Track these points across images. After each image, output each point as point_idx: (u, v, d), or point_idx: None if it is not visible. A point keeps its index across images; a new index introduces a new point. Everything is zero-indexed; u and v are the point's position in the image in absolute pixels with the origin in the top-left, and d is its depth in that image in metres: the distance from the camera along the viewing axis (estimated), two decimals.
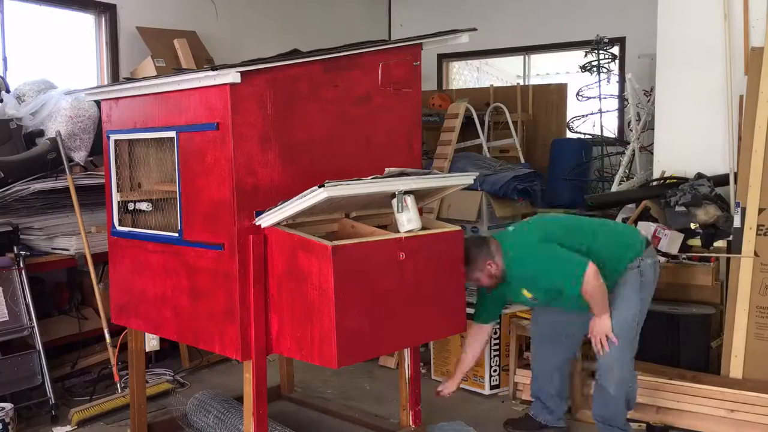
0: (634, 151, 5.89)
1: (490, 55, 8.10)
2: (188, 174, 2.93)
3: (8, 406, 3.65)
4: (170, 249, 3.06)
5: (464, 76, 8.86)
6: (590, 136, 6.58)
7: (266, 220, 2.77)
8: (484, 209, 5.54)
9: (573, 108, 7.01)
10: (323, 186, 2.60)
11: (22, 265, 4.03)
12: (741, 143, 4.39)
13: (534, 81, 7.98)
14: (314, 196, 2.63)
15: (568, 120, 6.87)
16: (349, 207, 3.01)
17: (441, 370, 4.45)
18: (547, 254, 3.22)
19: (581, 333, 3.53)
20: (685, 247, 4.39)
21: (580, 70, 6.52)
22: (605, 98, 6.46)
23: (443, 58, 8.20)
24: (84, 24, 5.43)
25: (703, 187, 4.49)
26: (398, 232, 2.89)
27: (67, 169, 4.23)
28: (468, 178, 3.23)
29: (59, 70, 5.11)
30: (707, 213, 4.38)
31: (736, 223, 4.14)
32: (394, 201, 2.87)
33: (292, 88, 2.88)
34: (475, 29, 3.44)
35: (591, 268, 3.10)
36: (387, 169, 2.89)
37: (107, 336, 4.15)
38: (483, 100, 7.28)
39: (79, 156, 4.51)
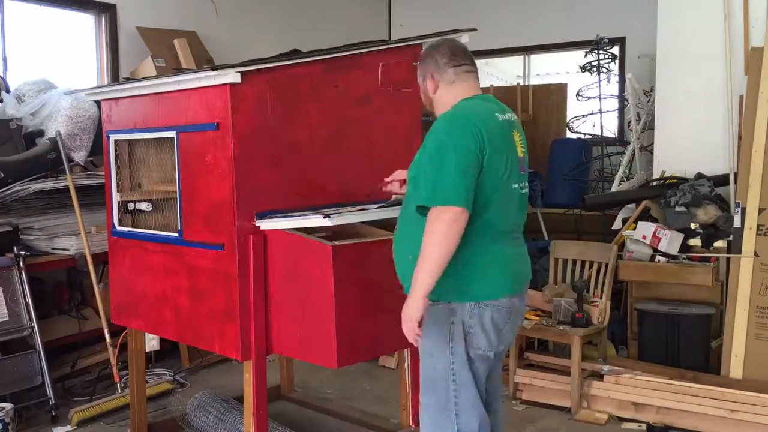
0: (634, 151, 5.89)
1: (490, 55, 8.08)
2: (188, 174, 2.93)
3: (8, 406, 3.65)
4: (170, 249, 3.06)
5: None
6: (590, 136, 6.57)
7: (267, 225, 2.78)
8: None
9: (573, 108, 7.00)
10: (329, 217, 2.62)
11: (22, 265, 4.03)
12: (741, 143, 4.39)
13: (534, 81, 7.96)
14: (318, 221, 2.65)
15: (568, 120, 6.87)
16: None
17: None
18: (449, 145, 2.24)
19: None
20: (685, 247, 4.39)
21: (580, 70, 6.51)
22: (605, 98, 6.46)
23: None
24: (84, 24, 5.42)
25: (703, 187, 4.49)
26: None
27: (67, 169, 4.22)
28: None
29: (59, 70, 5.10)
30: (707, 213, 4.38)
31: (736, 223, 4.14)
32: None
33: (292, 88, 2.88)
34: (475, 29, 3.44)
35: (458, 213, 2.19)
36: (393, 196, 2.86)
37: (107, 336, 4.15)
38: None
39: (79, 156, 4.51)
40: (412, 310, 2.28)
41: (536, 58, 8.07)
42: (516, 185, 2.39)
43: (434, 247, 2.20)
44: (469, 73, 2.45)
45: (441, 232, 2.19)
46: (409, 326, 2.32)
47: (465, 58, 2.46)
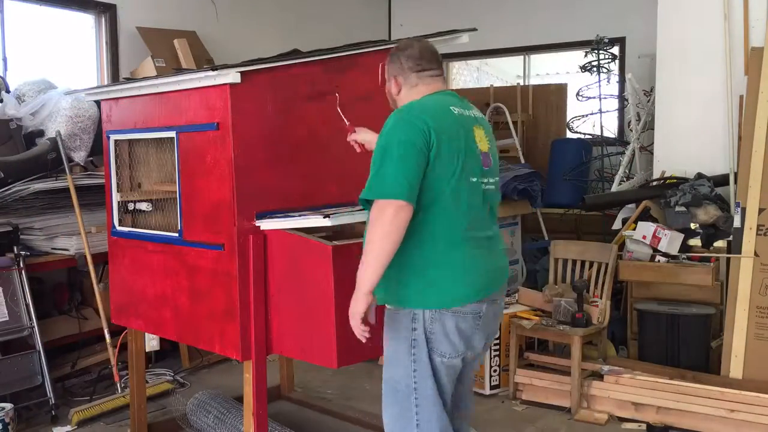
0: (634, 151, 5.89)
1: (490, 55, 8.08)
2: (188, 174, 2.93)
3: (8, 406, 3.65)
4: (170, 249, 3.06)
5: (464, 76, 8.85)
6: (590, 136, 6.57)
7: (267, 226, 2.78)
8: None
9: (573, 108, 7.01)
10: (329, 217, 2.62)
11: (22, 265, 4.03)
12: (741, 143, 4.39)
13: (534, 81, 7.96)
14: (318, 221, 2.66)
15: (568, 120, 6.87)
16: None
17: None
18: (391, 142, 2.21)
19: None
20: (685, 247, 4.39)
21: (580, 70, 6.52)
22: (605, 98, 6.46)
23: (443, 58, 8.14)
24: (84, 24, 5.42)
25: (703, 187, 4.49)
26: None
27: (67, 169, 4.22)
28: None
29: (59, 70, 5.10)
30: (707, 213, 4.38)
31: (736, 223, 4.14)
32: None
33: (292, 88, 2.88)
34: (475, 29, 3.44)
35: (400, 205, 2.13)
36: None
37: (107, 336, 4.15)
38: (483, 100, 7.27)
39: (79, 156, 4.51)
40: (357, 305, 2.21)
41: (536, 58, 8.07)
42: (476, 179, 2.29)
43: (376, 241, 2.15)
44: (434, 77, 2.44)
45: (383, 225, 2.13)
46: (354, 322, 2.24)
47: (431, 63, 2.44)
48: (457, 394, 2.44)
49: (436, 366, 2.29)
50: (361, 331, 2.24)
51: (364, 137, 2.73)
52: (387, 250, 2.15)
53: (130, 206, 3.37)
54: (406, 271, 2.23)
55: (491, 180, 2.37)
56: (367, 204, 2.23)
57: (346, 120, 2.82)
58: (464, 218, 2.26)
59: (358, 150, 2.76)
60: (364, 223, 2.89)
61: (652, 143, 5.42)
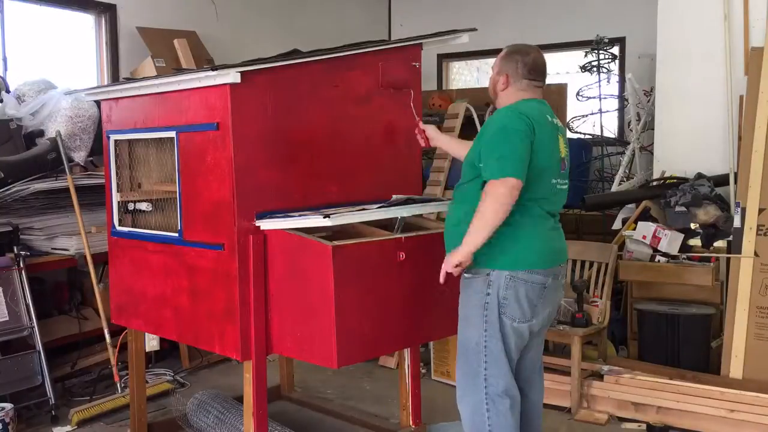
0: (634, 151, 5.89)
1: (490, 55, 8.01)
2: (188, 174, 2.93)
3: (8, 406, 3.65)
4: (170, 249, 3.06)
5: (464, 76, 8.85)
6: (590, 136, 6.57)
7: (267, 226, 2.78)
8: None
9: (573, 108, 7.01)
10: (329, 217, 2.64)
11: (22, 265, 4.03)
12: (741, 143, 4.39)
13: None
14: (318, 221, 2.67)
15: (568, 120, 6.87)
16: None
17: (441, 370, 4.45)
18: (509, 128, 2.58)
19: None
20: (685, 247, 4.39)
21: (580, 70, 6.52)
22: (605, 98, 6.46)
23: (443, 58, 8.19)
24: (84, 24, 5.43)
25: (703, 187, 4.49)
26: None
27: (67, 169, 4.22)
28: None
29: (59, 70, 5.11)
30: (707, 213, 4.38)
31: (736, 223, 4.14)
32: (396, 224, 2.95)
33: (292, 88, 2.88)
34: (475, 29, 3.44)
35: (515, 183, 2.51)
36: (394, 197, 2.94)
37: (107, 336, 4.15)
38: (483, 100, 7.24)
39: (79, 156, 4.51)
40: (457, 256, 2.59)
41: None
42: (554, 180, 2.69)
43: (492, 210, 2.51)
44: (537, 87, 2.78)
45: (500, 197, 2.50)
46: (446, 267, 2.63)
47: (540, 75, 2.77)
48: (524, 362, 2.80)
49: (505, 328, 2.64)
50: (445, 273, 2.65)
51: (431, 133, 3.12)
52: (497, 220, 2.52)
53: (130, 206, 3.37)
54: (492, 236, 2.55)
55: (564, 182, 2.77)
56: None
57: (416, 115, 3.19)
58: (543, 204, 2.67)
59: (423, 144, 3.14)
60: (364, 223, 2.91)
61: (652, 143, 5.42)
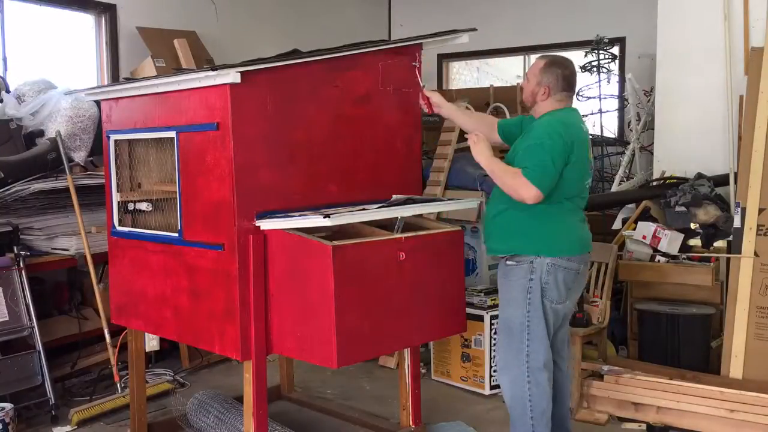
0: (634, 151, 5.89)
1: (490, 55, 8.08)
2: (188, 174, 2.93)
3: (8, 406, 3.65)
4: (170, 249, 3.06)
5: (464, 76, 8.85)
6: (590, 136, 6.57)
7: (267, 225, 2.78)
8: (484, 210, 5.52)
9: None
10: (329, 217, 2.64)
11: (22, 265, 4.03)
12: (741, 143, 4.39)
13: None
14: (318, 221, 2.67)
15: None
16: None
17: (441, 370, 4.46)
18: (547, 145, 2.89)
19: None
20: (685, 247, 4.39)
21: (580, 70, 6.52)
22: (605, 98, 6.47)
23: (443, 58, 8.19)
24: (84, 24, 5.43)
25: (703, 187, 4.49)
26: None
27: (67, 169, 4.22)
28: (472, 203, 3.65)
29: (59, 70, 5.11)
30: (707, 213, 4.38)
31: (736, 223, 4.14)
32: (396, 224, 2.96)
33: (292, 88, 2.88)
34: (475, 29, 3.44)
35: (537, 195, 2.84)
36: (394, 197, 2.95)
37: (107, 336, 4.15)
38: (483, 100, 7.26)
39: (79, 156, 4.51)
40: (482, 151, 3.01)
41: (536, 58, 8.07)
42: (585, 181, 3.09)
43: (509, 185, 2.90)
44: (570, 97, 3.12)
45: (519, 191, 2.86)
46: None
47: (573, 87, 3.10)
48: (556, 338, 3.12)
49: (546, 309, 2.99)
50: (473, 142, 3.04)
51: (436, 100, 3.32)
52: (500, 183, 2.95)
53: (130, 206, 3.37)
54: (534, 228, 2.96)
55: (590, 180, 3.16)
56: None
57: (420, 80, 3.28)
58: (575, 200, 3.05)
59: (427, 110, 3.33)
60: (364, 223, 2.92)
61: (652, 143, 5.42)
